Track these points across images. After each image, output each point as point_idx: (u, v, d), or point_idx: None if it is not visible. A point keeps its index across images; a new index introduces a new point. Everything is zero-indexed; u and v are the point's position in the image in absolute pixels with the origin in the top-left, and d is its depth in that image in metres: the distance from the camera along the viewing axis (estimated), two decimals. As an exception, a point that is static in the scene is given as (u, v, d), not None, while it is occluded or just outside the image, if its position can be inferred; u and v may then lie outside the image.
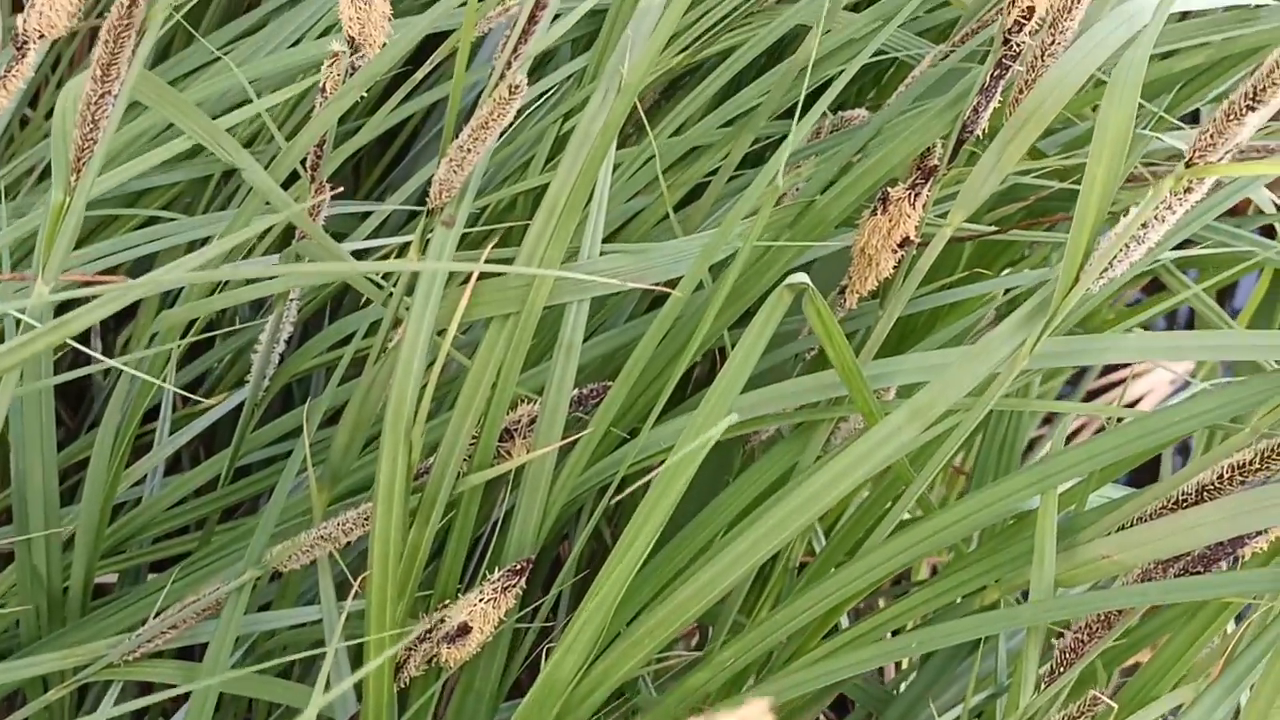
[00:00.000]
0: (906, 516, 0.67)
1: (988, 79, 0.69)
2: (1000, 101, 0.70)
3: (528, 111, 1.01)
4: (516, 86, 0.60)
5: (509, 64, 0.62)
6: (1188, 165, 0.54)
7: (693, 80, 1.03)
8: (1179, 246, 0.83)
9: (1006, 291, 0.86)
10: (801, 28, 0.92)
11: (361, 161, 1.21)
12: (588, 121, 0.65)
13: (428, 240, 0.67)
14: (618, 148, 0.97)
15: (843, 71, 0.75)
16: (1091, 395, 1.65)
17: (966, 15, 0.86)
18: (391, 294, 0.70)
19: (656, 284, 0.68)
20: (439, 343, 0.65)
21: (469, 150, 0.62)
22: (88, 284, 0.60)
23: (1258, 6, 0.71)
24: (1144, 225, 0.56)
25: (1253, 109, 0.52)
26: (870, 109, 0.96)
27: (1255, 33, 0.75)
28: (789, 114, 0.94)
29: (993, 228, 0.80)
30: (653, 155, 0.92)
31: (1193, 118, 1.26)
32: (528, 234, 0.65)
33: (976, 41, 0.84)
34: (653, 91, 1.03)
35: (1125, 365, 1.78)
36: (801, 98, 0.73)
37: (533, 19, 0.62)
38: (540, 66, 1.08)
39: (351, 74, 0.74)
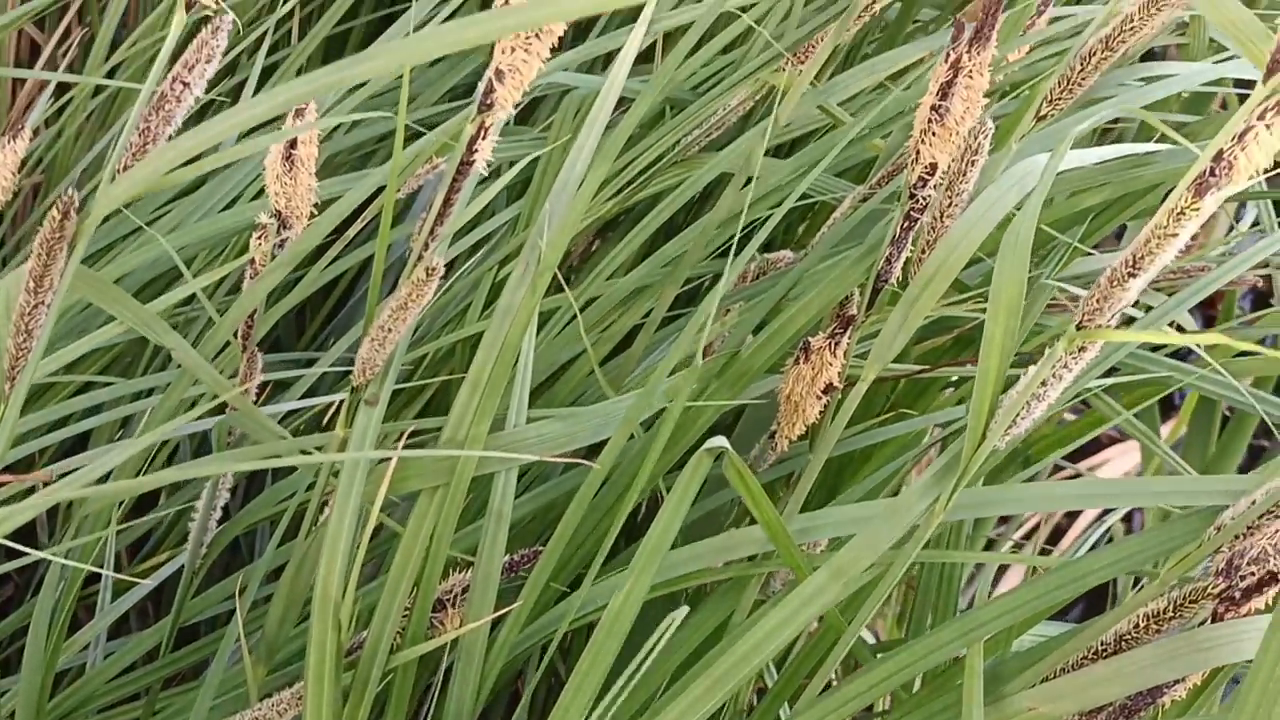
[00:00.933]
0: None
1: (897, 231, 0.72)
2: (912, 250, 0.72)
3: (463, 257, 1.03)
4: (433, 269, 0.62)
5: (426, 244, 0.64)
6: (1078, 328, 0.56)
7: (628, 220, 1.06)
8: (1107, 374, 0.85)
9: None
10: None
11: (306, 307, 1.22)
12: (509, 294, 0.66)
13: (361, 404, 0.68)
14: (554, 292, 1.00)
15: (770, 216, 0.78)
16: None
17: (883, 157, 0.88)
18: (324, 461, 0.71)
19: (586, 446, 0.69)
20: (372, 511, 0.66)
21: (390, 330, 0.63)
22: (16, 481, 0.61)
23: (1148, 154, 0.74)
24: (1043, 383, 0.58)
25: (1133, 275, 0.54)
26: (797, 246, 0.98)
27: (1154, 173, 0.78)
28: (722, 253, 0.97)
29: (918, 367, 0.82)
30: (591, 299, 0.94)
31: (1120, 232, 1.29)
32: (453, 406, 0.66)
33: (895, 183, 0.87)
34: (586, 236, 1.05)
35: (1085, 456, 1.81)
36: (708, 244, 0.75)
37: (448, 202, 0.63)
38: (476, 213, 1.11)
39: (281, 244, 0.76)
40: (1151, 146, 0.74)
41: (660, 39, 1.00)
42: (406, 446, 0.73)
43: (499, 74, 0.59)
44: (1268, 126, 0.52)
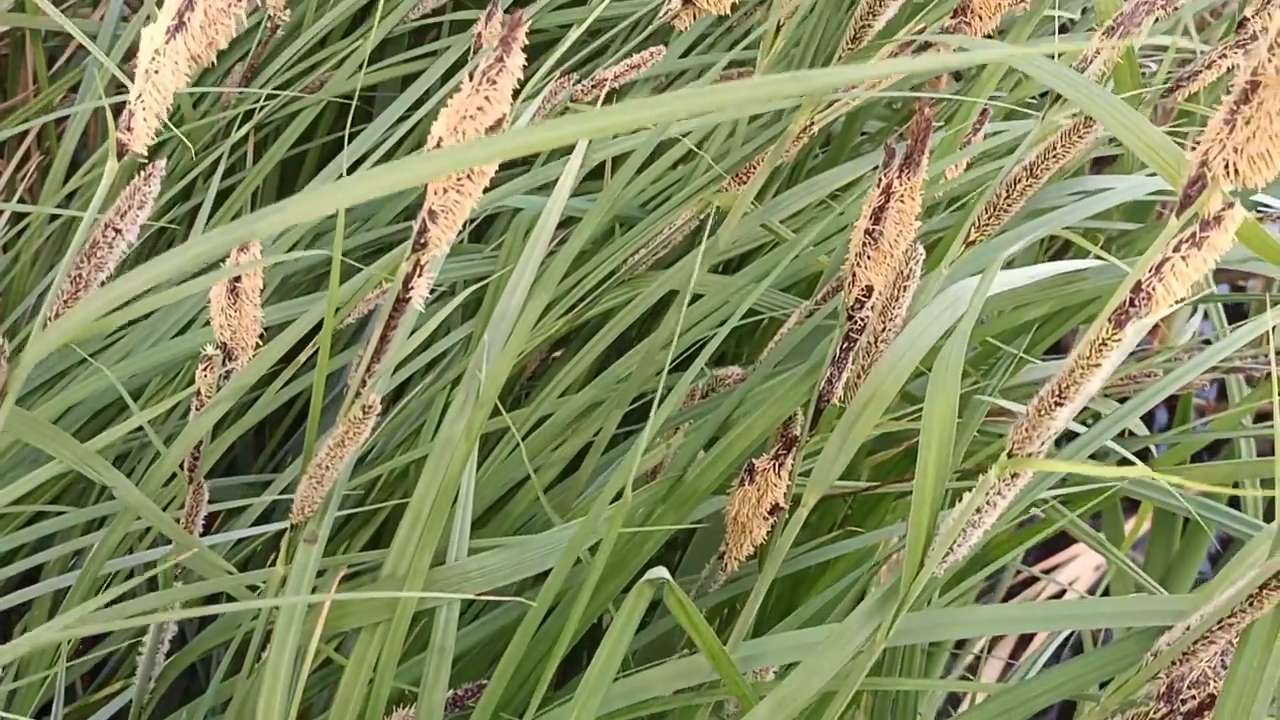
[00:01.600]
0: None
1: (837, 351, 0.72)
2: (852, 369, 0.73)
3: (419, 375, 1.03)
4: (369, 407, 0.62)
5: (364, 380, 0.64)
6: (1009, 455, 0.56)
7: (581, 336, 1.07)
8: (1061, 482, 0.86)
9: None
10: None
11: (265, 424, 1.22)
12: (449, 425, 0.66)
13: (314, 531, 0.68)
14: (506, 409, 1.00)
15: (715, 335, 0.79)
16: (1014, 590, 1.67)
17: (827, 273, 0.89)
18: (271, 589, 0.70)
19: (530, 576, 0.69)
20: (320, 649, 0.65)
21: (327, 468, 0.63)
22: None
23: (1079, 270, 0.76)
24: (979, 510, 0.58)
25: (1060, 404, 0.55)
26: (747, 361, 0.99)
27: (1092, 287, 0.79)
28: (673, 368, 0.97)
29: (865, 484, 0.82)
30: (544, 417, 0.94)
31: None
32: (394, 539, 0.66)
33: (840, 298, 0.88)
34: (539, 352, 1.06)
35: (1053, 553, 1.80)
36: (666, 366, 0.75)
37: (384, 338, 0.64)
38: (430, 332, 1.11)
39: (227, 375, 0.76)
40: (1084, 263, 0.75)
41: (609, 159, 1.01)
42: (351, 576, 0.72)
43: (432, 214, 0.60)
44: (1183, 258, 0.53)
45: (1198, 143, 0.53)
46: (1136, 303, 0.53)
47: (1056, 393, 0.54)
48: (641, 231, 0.96)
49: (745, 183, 0.88)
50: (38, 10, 1.19)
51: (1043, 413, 0.55)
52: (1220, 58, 0.84)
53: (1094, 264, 0.75)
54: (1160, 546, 1.40)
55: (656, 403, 0.71)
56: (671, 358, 0.94)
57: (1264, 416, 1.33)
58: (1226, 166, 0.51)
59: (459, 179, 0.59)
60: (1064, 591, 1.70)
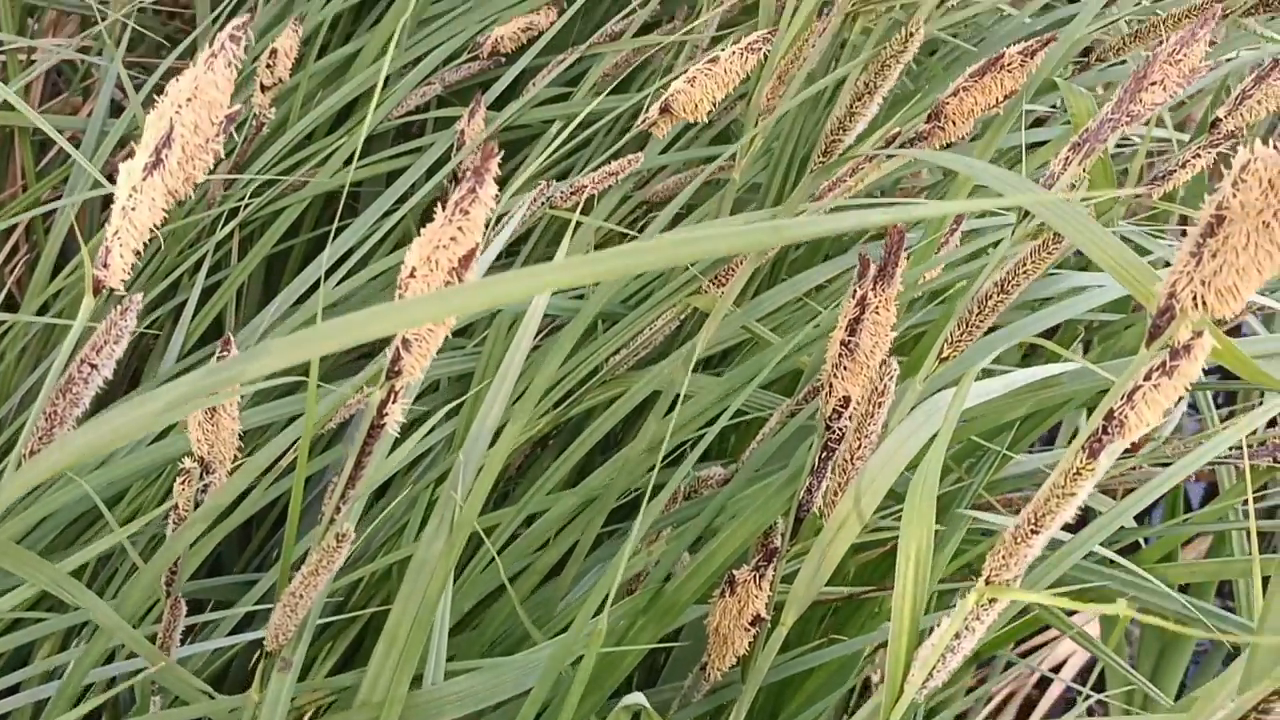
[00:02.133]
0: None
1: (816, 461, 0.72)
2: (831, 477, 0.73)
3: (403, 471, 1.03)
4: (343, 536, 0.61)
5: (338, 508, 0.64)
6: (986, 583, 0.56)
7: (566, 431, 1.06)
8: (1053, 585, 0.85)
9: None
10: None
11: (253, 517, 1.21)
12: (425, 548, 0.66)
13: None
14: (491, 505, 0.99)
15: (702, 436, 0.78)
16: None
17: (808, 373, 0.89)
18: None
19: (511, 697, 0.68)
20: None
21: (301, 596, 0.63)
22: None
23: (1055, 375, 0.76)
24: (957, 636, 0.58)
25: (1035, 532, 0.54)
26: (729, 458, 0.99)
27: (1067, 391, 0.79)
28: (667, 463, 0.97)
29: (848, 590, 0.81)
30: (530, 516, 0.94)
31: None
32: (370, 662, 0.65)
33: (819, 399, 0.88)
34: (523, 450, 1.05)
35: (1046, 628, 1.80)
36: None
37: (359, 464, 0.63)
38: (412, 425, 1.11)
39: (205, 489, 0.75)
40: (1059, 367, 0.75)
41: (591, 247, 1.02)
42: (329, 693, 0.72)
43: (405, 343, 0.60)
44: (1155, 386, 0.53)
45: (1167, 267, 0.53)
46: (1109, 430, 0.53)
47: (1032, 521, 0.54)
48: (624, 329, 0.96)
49: (725, 284, 0.88)
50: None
51: (1019, 540, 0.55)
52: (1194, 158, 0.85)
53: (1070, 368, 0.75)
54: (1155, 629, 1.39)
55: (644, 505, 0.70)
56: (651, 464, 0.93)
57: (1256, 499, 1.33)
58: (1194, 299, 0.51)
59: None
60: (1065, 662, 1.69)
